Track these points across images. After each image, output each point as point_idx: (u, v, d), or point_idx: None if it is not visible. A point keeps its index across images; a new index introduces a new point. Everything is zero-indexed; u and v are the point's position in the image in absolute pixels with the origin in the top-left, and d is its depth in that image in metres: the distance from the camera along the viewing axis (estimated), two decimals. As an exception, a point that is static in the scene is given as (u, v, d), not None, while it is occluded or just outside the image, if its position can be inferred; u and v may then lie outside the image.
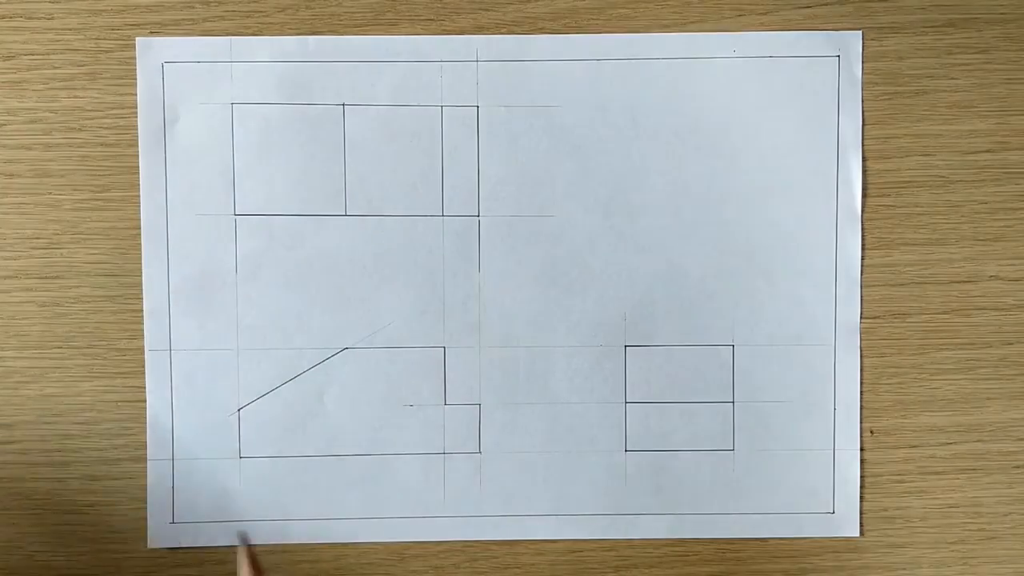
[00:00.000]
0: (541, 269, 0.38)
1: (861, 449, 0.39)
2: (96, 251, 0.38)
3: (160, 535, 0.38)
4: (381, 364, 0.38)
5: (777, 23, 0.38)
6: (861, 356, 0.39)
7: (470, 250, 0.38)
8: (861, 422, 0.39)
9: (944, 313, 0.39)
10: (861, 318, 0.39)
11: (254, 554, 0.32)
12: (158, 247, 0.38)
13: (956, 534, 0.39)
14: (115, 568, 0.39)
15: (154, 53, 0.38)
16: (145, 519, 0.38)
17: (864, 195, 0.39)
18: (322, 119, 0.38)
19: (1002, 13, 0.38)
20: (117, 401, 0.38)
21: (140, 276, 0.38)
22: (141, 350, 0.38)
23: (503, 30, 0.38)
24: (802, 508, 0.39)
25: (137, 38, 0.38)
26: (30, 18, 0.38)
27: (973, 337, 0.39)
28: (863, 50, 0.38)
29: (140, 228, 0.38)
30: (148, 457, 0.38)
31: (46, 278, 0.38)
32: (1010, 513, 0.39)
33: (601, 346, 0.39)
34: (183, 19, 0.38)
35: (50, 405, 0.38)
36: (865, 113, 0.38)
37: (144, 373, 0.38)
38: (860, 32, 0.38)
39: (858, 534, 0.39)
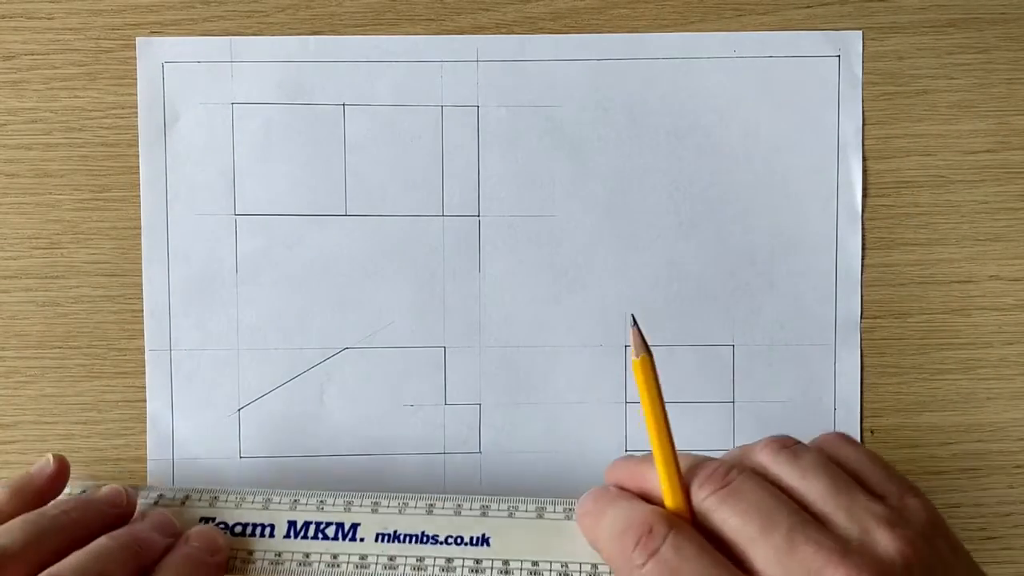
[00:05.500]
0: (541, 269, 0.38)
1: (861, 449, 0.39)
2: (96, 251, 0.38)
3: (160, 535, 0.38)
4: (381, 364, 0.38)
5: (777, 23, 0.38)
6: (861, 356, 0.39)
7: (470, 250, 0.38)
8: (861, 422, 0.39)
9: (944, 313, 0.39)
10: (861, 318, 0.39)
11: None
12: (158, 247, 0.38)
13: (956, 534, 0.39)
14: (115, 568, 0.38)
15: (154, 53, 0.38)
16: (145, 519, 0.38)
17: (864, 195, 0.39)
18: (322, 119, 0.38)
19: (1002, 13, 0.38)
20: (117, 401, 0.38)
21: (140, 276, 0.38)
22: (141, 350, 0.38)
23: (503, 30, 0.38)
24: (802, 508, 0.39)
25: (137, 38, 0.38)
26: (30, 18, 0.38)
27: (973, 337, 0.39)
28: (863, 50, 0.38)
29: (140, 228, 0.38)
30: (148, 457, 0.38)
31: (46, 278, 0.38)
32: (1010, 513, 0.39)
33: (601, 346, 0.39)
34: (183, 19, 0.38)
35: (50, 405, 0.38)
36: (865, 113, 0.38)
37: (144, 373, 0.38)
38: (860, 32, 0.38)
39: (858, 534, 0.39)
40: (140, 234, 0.38)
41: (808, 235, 0.39)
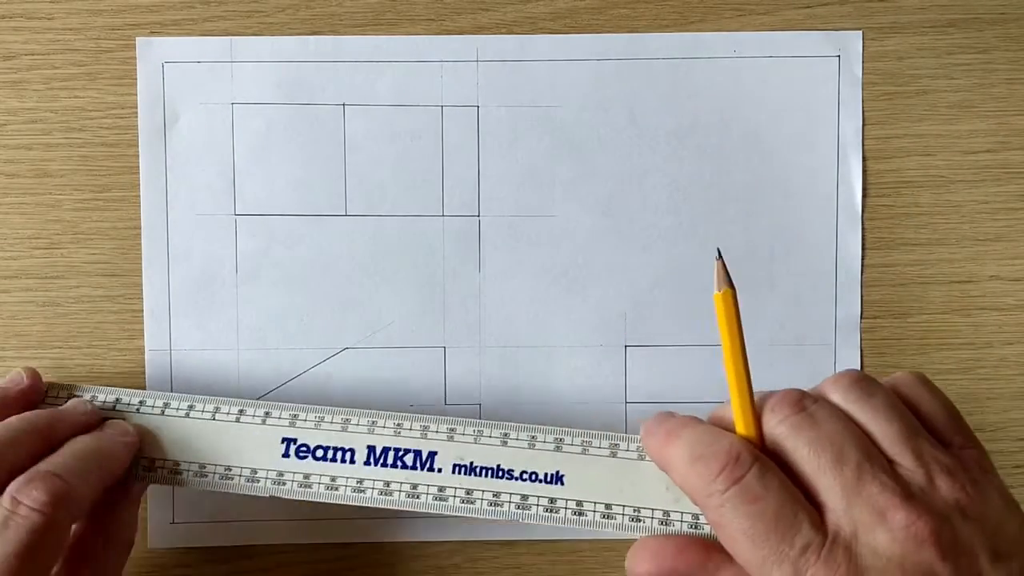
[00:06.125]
0: (541, 269, 0.39)
1: (861, 449, 0.39)
2: (96, 251, 0.38)
3: (160, 535, 0.38)
4: (381, 364, 0.38)
5: (777, 23, 0.38)
6: (861, 356, 0.39)
7: (470, 250, 0.38)
8: (861, 422, 0.39)
9: (944, 313, 0.39)
10: (861, 318, 0.39)
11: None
12: (158, 247, 0.38)
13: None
14: (115, 568, 0.38)
15: (154, 53, 0.38)
16: (145, 519, 0.38)
17: (864, 195, 0.39)
18: (322, 119, 0.38)
19: (1002, 13, 0.38)
20: (117, 401, 0.38)
21: (140, 276, 0.38)
22: (141, 350, 0.38)
23: (503, 30, 0.38)
24: (802, 508, 0.39)
25: (137, 38, 0.38)
26: (30, 18, 0.38)
27: (973, 337, 0.39)
28: (863, 50, 0.38)
29: (140, 228, 0.38)
30: (148, 457, 0.38)
31: (46, 278, 0.38)
32: (1010, 513, 0.39)
33: (601, 346, 0.39)
34: (183, 19, 0.38)
35: (50, 405, 0.38)
36: (865, 113, 0.38)
37: (144, 373, 0.38)
38: (860, 32, 0.38)
39: (858, 534, 0.39)
40: (140, 234, 0.38)
41: (808, 235, 0.39)
